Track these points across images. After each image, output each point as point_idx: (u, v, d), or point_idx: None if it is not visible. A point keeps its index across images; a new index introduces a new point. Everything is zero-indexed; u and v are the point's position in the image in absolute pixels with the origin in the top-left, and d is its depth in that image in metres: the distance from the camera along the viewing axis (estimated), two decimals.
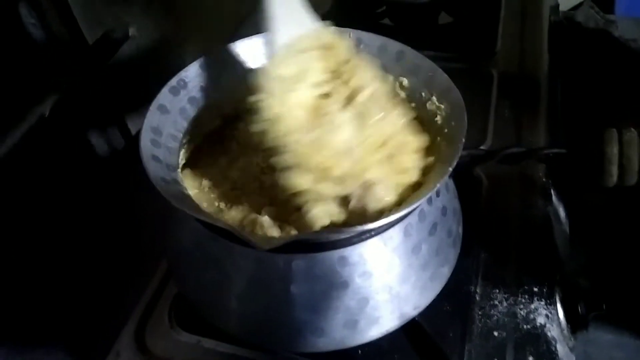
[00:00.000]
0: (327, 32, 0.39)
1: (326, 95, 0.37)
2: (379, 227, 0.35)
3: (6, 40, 0.67)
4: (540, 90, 0.67)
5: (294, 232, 0.37)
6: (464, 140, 0.36)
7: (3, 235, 0.58)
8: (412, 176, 0.37)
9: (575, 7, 0.99)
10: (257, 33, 0.46)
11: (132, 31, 0.76)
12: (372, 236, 0.35)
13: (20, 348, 0.51)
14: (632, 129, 0.34)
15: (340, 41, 0.39)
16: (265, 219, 0.37)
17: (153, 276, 0.49)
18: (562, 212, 0.57)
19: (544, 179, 0.55)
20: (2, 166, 0.57)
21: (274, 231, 0.37)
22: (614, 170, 0.34)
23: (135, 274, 0.50)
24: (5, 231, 0.58)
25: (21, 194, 0.62)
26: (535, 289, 0.46)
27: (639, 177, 0.33)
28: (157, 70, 0.81)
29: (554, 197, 0.55)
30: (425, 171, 0.38)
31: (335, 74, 0.38)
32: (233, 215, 0.40)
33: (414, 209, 0.37)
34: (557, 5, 0.92)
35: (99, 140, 0.78)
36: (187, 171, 0.44)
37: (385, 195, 0.35)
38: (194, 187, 0.42)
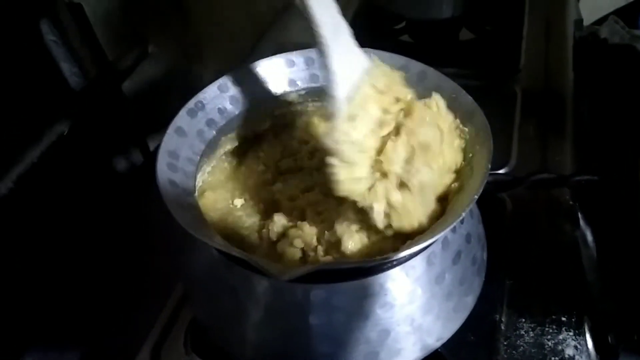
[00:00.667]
0: (381, 73, 0.37)
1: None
2: (401, 257, 0.34)
3: (27, 57, 0.68)
4: (566, 109, 0.65)
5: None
6: (490, 166, 0.34)
7: (21, 254, 0.58)
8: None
9: (599, 21, 0.97)
10: (274, 51, 0.46)
11: (151, 48, 0.77)
12: (393, 266, 0.34)
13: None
14: None
15: (394, 80, 0.37)
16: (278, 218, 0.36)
17: (169, 299, 0.48)
18: (589, 237, 0.55)
19: (570, 202, 0.53)
20: (21, 183, 0.57)
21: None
22: None
23: (151, 296, 0.49)
24: (23, 250, 0.58)
25: (39, 211, 0.62)
26: (564, 319, 0.44)
27: None
28: (177, 86, 0.82)
29: (581, 221, 0.53)
30: (450, 197, 0.37)
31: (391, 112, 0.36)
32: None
33: (438, 238, 0.35)
34: (581, 20, 0.91)
35: (118, 158, 0.79)
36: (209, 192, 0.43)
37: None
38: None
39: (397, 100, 0.36)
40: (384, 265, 0.34)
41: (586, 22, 0.94)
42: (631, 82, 0.81)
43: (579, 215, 0.53)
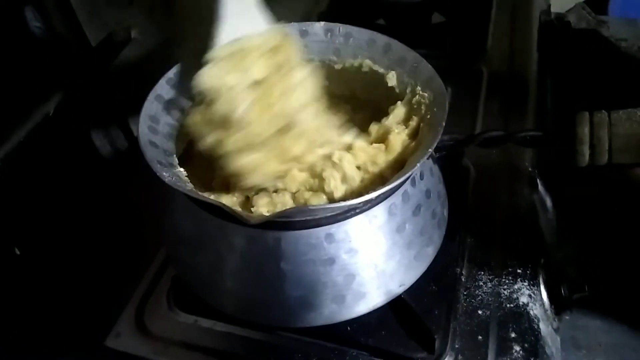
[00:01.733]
0: (277, 34, 0.41)
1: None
2: (363, 204, 0.37)
3: (12, 42, 0.70)
4: (529, 87, 0.69)
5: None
6: (444, 124, 0.38)
7: (10, 226, 0.60)
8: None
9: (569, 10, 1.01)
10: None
11: (134, 34, 0.79)
12: (356, 214, 0.37)
13: (23, 329, 0.53)
14: (603, 111, 0.36)
15: (287, 44, 0.41)
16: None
17: (152, 261, 0.51)
18: (549, 202, 0.59)
19: (530, 169, 0.57)
20: (8, 162, 0.59)
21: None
22: (586, 150, 0.36)
23: (135, 260, 0.52)
24: (11, 222, 0.60)
25: (26, 187, 0.64)
26: (519, 271, 0.48)
27: (609, 156, 0.35)
28: (159, 71, 0.84)
29: (540, 187, 0.57)
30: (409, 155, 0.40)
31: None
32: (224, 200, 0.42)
33: (397, 189, 0.39)
34: (549, 7, 0.95)
35: (101, 139, 0.81)
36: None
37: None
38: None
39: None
40: (348, 213, 0.37)
41: (560, 9, 0.98)
42: (595, 64, 0.86)
43: (538, 181, 0.57)
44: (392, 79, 0.45)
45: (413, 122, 0.41)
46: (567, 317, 0.57)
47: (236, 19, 0.40)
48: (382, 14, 0.83)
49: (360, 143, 0.41)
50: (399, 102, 0.44)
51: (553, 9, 1.03)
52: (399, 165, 0.40)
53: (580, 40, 0.89)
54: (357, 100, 0.50)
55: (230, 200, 0.42)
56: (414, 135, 0.41)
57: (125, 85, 0.84)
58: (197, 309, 0.46)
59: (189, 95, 0.45)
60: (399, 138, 0.40)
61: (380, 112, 0.45)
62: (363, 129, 0.45)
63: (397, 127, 0.41)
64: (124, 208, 0.63)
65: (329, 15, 0.81)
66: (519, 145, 0.39)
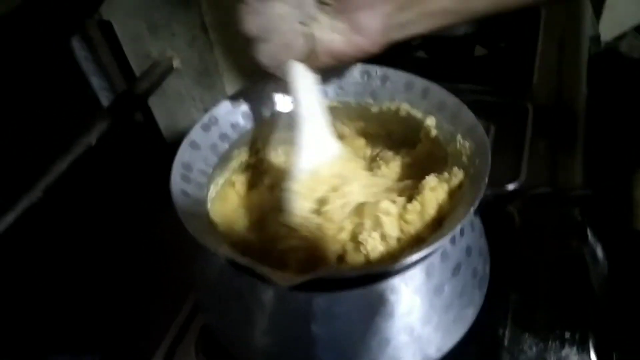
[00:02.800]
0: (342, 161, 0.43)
1: None
2: (400, 267, 0.35)
3: (59, 72, 0.72)
4: (578, 125, 0.65)
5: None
6: (487, 179, 0.35)
7: (46, 261, 0.61)
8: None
9: (620, 37, 0.97)
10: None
11: (176, 63, 0.80)
12: (393, 276, 0.35)
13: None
14: None
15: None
16: None
17: (182, 307, 0.50)
18: (599, 254, 0.55)
19: (579, 218, 0.53)
20: (52, 191, 0.60)
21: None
22: None
23: (165, 305, 0.52)
24: (48, 257, 0.61)
25: (64, 220, 0.65)
26: (567, 335, 0.44)
27: None
28: (200, 101, 0.85)
29: (590, 238, 0.53)
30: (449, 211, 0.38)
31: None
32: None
33: (436, 249, 0.36)
34: (598, 36, 0.91)
35: (142, 171, 0.82)
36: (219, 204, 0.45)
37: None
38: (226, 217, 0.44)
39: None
40: (384, 275, 0.35)
41: (607, 37, 0.94)
42: None
43: (588, 231, 0.53)
44: (431, 127, 0.44)
45: (455, 179, 0.39)
46: None
47: (311, 148, 0.42)
48: (422, 46, 0.82)
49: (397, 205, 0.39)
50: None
51: (602, 36, 0.99)
52: (437, 222, 0.38)
53: (634, 71, 0.85)
54: (393, 139, 0.49)
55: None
56: (454, 191, 0.39)
57: (167, 114, 0.85)
58: None
59: (227, 139, 0.45)
60: (433, 197, 0.38)
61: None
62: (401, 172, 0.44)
63: (433, 184, 0.39)
64: (159, 245, 0.63)
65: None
66: (568, 205, 0.36)
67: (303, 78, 0.40)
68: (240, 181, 0.48)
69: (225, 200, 0.45)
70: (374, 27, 0.38)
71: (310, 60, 0.39)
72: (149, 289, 0.55)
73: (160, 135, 0.85)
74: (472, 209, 0.34)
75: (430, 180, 0.39)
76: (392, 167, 0.45)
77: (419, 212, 0.38)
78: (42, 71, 0.68)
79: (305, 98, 0.41)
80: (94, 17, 0.74)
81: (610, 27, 1.21)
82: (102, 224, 0.68)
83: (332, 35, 0.38)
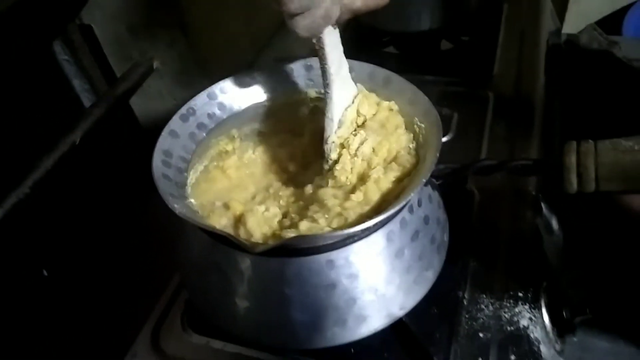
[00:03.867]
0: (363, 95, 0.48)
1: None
2: (362, 232, 0.39)
3: (41, 75, 0.74)
4: (535, 111, 0.70)
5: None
6: (438, 154, 0.40)
7: (39, 249, 0.64)
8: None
9: (581, 31, 1.02)
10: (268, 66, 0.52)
11: (156, 64, 0.83)
12: (356, 241, 0.39)
13: (46, 349, 0.56)
14: (590, 140, 0.37)
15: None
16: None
17: (168, 285, 0.54)
18: (554, 224, 0.60)
19: (534, 193, 0.58)
20: (37, 189, 0.63)
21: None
22: (573, 178, 0.37)
23: (152, 284, 0.55)
24: (40, 246, 0.64)
25: (53, 213, 0.68)
26: (520, 294, 0.49)
27: (596, 184, 0.37)
28: (181, 100, 0.88)
29: (544, 210, 0.58)
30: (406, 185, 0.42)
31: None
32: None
33: (395, 217, 0.41)
34: (559, 30, 0.96)
35: (125, 167, 0.85)
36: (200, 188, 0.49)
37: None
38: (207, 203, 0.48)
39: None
40: (347, 240, 0.39)
41: (573, 32, 0.99)
42: (607, 85, 0.86)
43: (542, 204, 0.58)
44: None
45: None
46: (575, 340, 0.58)
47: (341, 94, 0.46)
48: (392, 42, 0.86)
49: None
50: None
51: (566, 30, 1.04)
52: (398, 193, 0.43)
53: (591, 62, 0.90)
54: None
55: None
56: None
57: (148, 113, 0.88)
58: (209, 331, 0.49)
59: (205, 128, 0.49)
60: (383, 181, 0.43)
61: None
62: None
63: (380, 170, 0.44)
64: (144, 235, 0.66)
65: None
66: (511, 174, 0.41)
67: (330, 37, 0.43)
68: (216, 166, 0.51)
69: (206, 182, 0.48)
70: None
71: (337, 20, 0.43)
72: (137, 271, 0.59)
73: (141, 134, 0.88)
74: (423, 180, 0.38)
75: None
76: None
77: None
78: (26, 74, 0.71)
79: (333, 56, 0.44)
80: (75, 21, 0.77)
81: (575, 21, 1.27)
82: (90, 215, 0.71)
83: None
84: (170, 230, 0.48)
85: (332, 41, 0.44)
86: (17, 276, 0.62)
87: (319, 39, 0.42)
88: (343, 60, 0.46)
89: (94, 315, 0.56)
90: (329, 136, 0.46)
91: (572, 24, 1.30)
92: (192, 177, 0.47)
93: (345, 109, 0.47)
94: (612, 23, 1.31)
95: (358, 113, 0.47)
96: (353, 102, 0.47)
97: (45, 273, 0.67)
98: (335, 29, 0.43)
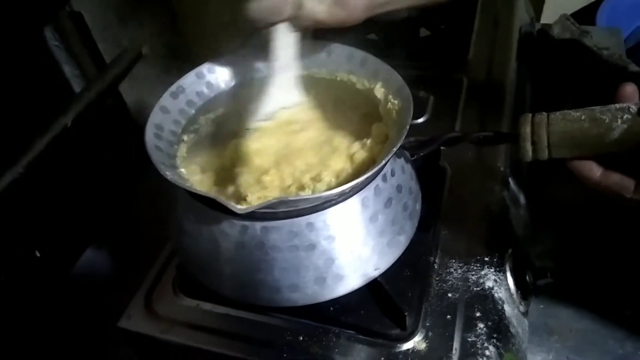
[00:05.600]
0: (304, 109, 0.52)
1: None
2: (338, 196, 0.43)
3: (32, 60, 0.77)
4: (506, 94, 0.74)
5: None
6: (408, 126, 0.43)
7: (31, 230, 0.67)
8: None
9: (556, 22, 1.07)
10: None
11: (145, 50, 0.85)
12: (333, 205, 0.43)
13: (46, 313, 0.59)
14: (543, 112, 0.41)
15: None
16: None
17: (161, 252, 0.57)
18: (522, 199, 0.64)
19: (502, 168, 0.62)
20: (30, 170, 0.66)
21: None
22: (528, 146, 0.41)
23: (146, 251, 0.58)
24: (33, 226, 0.67)
25: (46, 194, 0.71)
26: (487, 259, 0.53)
27: (549, 152, 0.41)
28: (169, 84, 0.91)
29: (512, 184, 0.62)
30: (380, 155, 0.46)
31: None
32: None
33: (369, 184, 0.44)
34: (532, 19, 1.00)
35: (116, 145, 0.87)
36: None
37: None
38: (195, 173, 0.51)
39: None
40: (325, 204, 0.43)
41: (549, 21, 1.04)
42: (576, 71, 0.91)
43: (509, 179, 0.62)
44: (379, 91, 0.51)
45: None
46: (541, 307, 0.62)
47: (277, 94, 0.50)
48: (373, 30, 0.90)
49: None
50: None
51: (544, 21, 1.08)
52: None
53: (562, 50, 0.95)
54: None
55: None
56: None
57: (137, 98, 0.91)
58: (199, 294, 0.52)
59: (194, 105, 0.52)
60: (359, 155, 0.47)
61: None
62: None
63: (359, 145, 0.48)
64: (139, 207, 0.70)
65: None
66: (473, 144, 0.45)
67: (284, 36, 0.47)
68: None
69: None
70: (359, 5, 0.45)
71: (294, 22, 0.46)
72: (132, 241, 0.62)
73: (130, 118, 0.90)
74: (394, 149, 0.42)
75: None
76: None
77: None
78: (17, 59, 0.73)
79: (281, 54, 0.48)
80: (65, 8, 0.79)
81: (552, 13, 1.32)
82: (83, 194, 0.74)
83: (318, 5, 0.45)
84: (162, 204, 0.51)
85: (284, 41, 0.47)
86: (10, 256, 0.65)
87: (271, 32, 0.46)
88: (292, 65, 0.50)
89: (92, 281, 0.59)
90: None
91: (549, 16, 1.35)
92: (182, 149, 0.50)
93: (282, 108, 0.50)
94: (586, 15, 1.36)
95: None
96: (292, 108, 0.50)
97: (37, 254, 0.70)
98: (292, 31, 0.47)
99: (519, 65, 0.82)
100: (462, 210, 0.58)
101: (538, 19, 1.31)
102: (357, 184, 0.41)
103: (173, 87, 0.51)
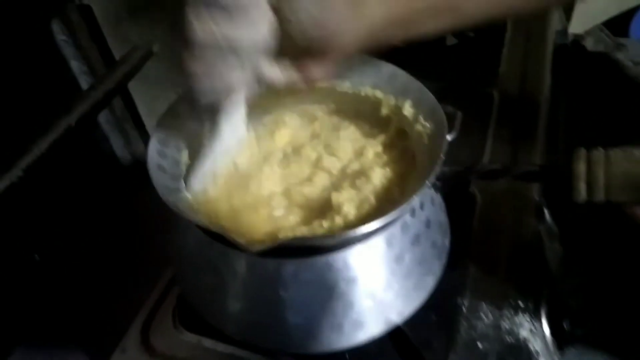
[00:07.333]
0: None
1: None
2: (362, 235, 0.37)
3: (38, 55, 0.72)
4: (540, 113, 0.68)
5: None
6: (443, 156, 0.38)
7: (31, 234, 0.63)
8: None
9: (588, 32, 1.01)
10: None
11: (156, 48, 0.81)
12: (355, 244, 0.38)
13: (36, 344, 0.55)
14: (600, 148, 0.36)
15: None
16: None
17: (160, 279, 0.52)
18: (556, 231, 0.59)
19: (537, 199, 0.57)
20: (30, 172, 0.61)
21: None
22: (582, 187, 0.36)
23: (144, 275, 0.54)
24: (32, 230, 0.62)
25: (46, 197, 0.66)
26: (521, 303, 0.48)
27: (606, 194, 0.35)
28: (180, 84, 0.86)
29: (547, 216, 0.57)
30: (409, 186, 0.41)
31: None
32: None
33: (395, 220, 0.39)
34: (565, 29, 0.94)
35: (122, 149, 0.83)
36: None
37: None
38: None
39: None
40: (347, 242, 0.38)
41: (579, 32, 0.98)
42: (611, 87, 0.85)
43: (545, 210, 0.57)
44: (407, 110, 0.46)
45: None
46: (573, 350, 0.57)
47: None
48: None
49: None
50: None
51: (572, 30, 1.02)
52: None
53: (596, 64, 0.89)
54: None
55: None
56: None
57: (146, 97, 0.86)
58: (201, 329, 0.48)
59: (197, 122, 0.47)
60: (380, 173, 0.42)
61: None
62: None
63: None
64: (136, 222, 0.65)
65: None
66: (516, 180, 0.39)
67: (233, 109, 0.41)
68: None
69: None
70: (320, 75, 0.40)
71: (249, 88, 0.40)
72: (128, 262, 0.58)
73: (139, 118, 0.86)
74: (426, 182, 0.37)
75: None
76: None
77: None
78: (22, 54, 0.69)
79: (227, 128, 0.42)
80: (74, 0, 0.75)
81: (582, 21, 1.25)
82: (82, 201, 0.69)
83: (276, 72, 0.39)
84: (165, 219, 0.46)
85: (232, 115, 0.41)
86: (9, 260, 0.61)
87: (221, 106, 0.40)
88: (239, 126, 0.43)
89: (83, 306, 0.55)
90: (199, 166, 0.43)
91: (579, 24, 1.28)
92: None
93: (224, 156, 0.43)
94: (619, 24, 1.29)
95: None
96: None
97: (37, 258, 0.65)
98: (240, 101, 0.41)
99: (554, 79, 0.76)
100: (493, 245, 0.53)
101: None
102: (383, 223, 0.36)
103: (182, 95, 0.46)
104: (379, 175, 0.43)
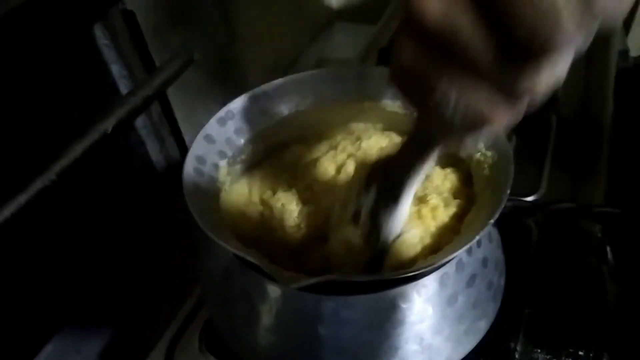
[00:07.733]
0: None
1: None
2: (412, 275, 0.34)
3: (79, 58, 0.72)
4: (602, 140, 0.63)
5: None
6: (508, 191, 0.34)
7: (55, 246, 0.61)
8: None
9: None
10: (313, 66, 0.47)
11: (196, 56, 0.79)
12: (405, 284, 0.34)
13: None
14: None
15: None
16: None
17: (188, 299, 0.50)
18: (618, 273, 0.53)
19: (599, 235, 0.52)
20: (64, 177, 0.60)
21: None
22: None
23: (170, 297, 0.51)
24: (58, 241, 0.61)
25: (78, 204, 0.65)
26: (581, 353, 0.43)
27: None
28: (219, 93, 0.84)
29: (609, 256, 0.52)
30: (467, 221, 0.37)
31: None
32: None
33: (452, 259, 0.35)
34: (627, 51, 0.89)
35: (157, 154, 0.82)
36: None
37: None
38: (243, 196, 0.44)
39: None
40: (396, 283, 0.34)
41: (636, 53, 0.92)
42: None
43: (608, 249, 0.52)
44: None
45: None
46: None
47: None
48: None
49: None
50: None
51: (631, 52, 0.96)
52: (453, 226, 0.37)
53: None
54: None
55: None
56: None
57: (185, 106, 0.85)
58: (229, 355, 0.44)
59: (242, 133, 0.44)
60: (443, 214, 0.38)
61: None
62: None
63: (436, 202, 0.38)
64: (168, 231, 0.62)
65: (390, 50, 0.78)
66: (592, 221, 0.35)
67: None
68: (256, 176, 0.47)
69: (241, 194, 0.44)
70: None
71: None
72: (156, 279, 0.55)
73: (176, 125, 0.84)
74: (491, 221, 0.33)
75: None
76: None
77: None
78: (64, 56, 0.68)
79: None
80: (117, 5, 0.74)
81: (639, 42, 1.19)
82: (113, 211, 0.67)
83: None
84: (196, 235, 0.43)
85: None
86: (34, 267, 0.59)
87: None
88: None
89: (107, 322, 0.52)
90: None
91: (636, 46, 1.22)
92: (226, 185, 0.43)
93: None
94: None
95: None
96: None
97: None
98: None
99: (616, 105, 0.70)
100: (551, 285, 0.48)
101: None
102: (440, 263, 0.32)
103: (221, 112, 0.43)
104: (440, 205, 0.39)
